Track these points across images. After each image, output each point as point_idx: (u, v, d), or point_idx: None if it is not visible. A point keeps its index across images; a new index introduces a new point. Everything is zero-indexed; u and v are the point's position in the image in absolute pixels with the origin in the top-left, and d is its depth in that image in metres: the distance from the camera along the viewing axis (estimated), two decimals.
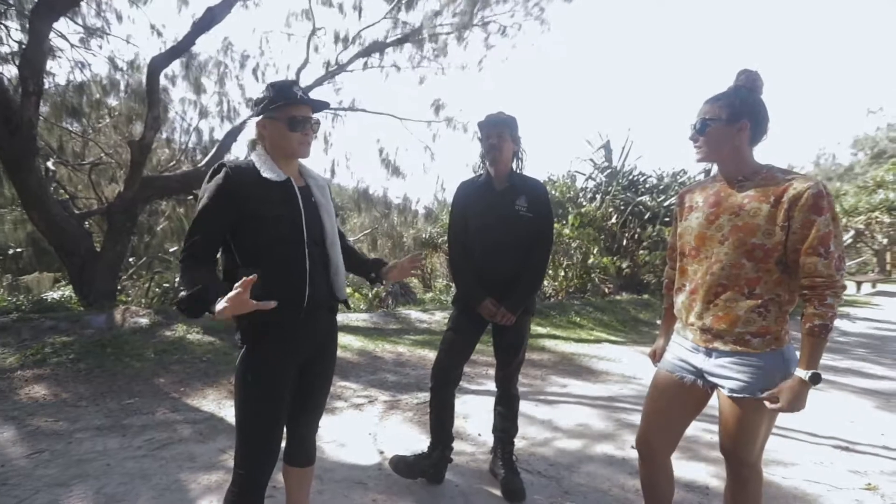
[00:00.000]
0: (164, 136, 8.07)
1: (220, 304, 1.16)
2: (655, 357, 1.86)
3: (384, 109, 8.97)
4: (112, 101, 7.86)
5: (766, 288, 1.44)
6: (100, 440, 2.64)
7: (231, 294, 1.15)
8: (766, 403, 1.39)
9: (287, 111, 1.39)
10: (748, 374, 1.44)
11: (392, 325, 5.70)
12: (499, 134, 2.08)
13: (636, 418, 3.26)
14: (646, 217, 9.02)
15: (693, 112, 1.55)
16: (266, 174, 1.36)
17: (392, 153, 8.73)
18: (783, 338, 1.46)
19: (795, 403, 1.36)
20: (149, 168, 7.28)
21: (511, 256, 2.10)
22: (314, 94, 2.08)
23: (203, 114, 7.68)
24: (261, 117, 1.42)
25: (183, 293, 1.23)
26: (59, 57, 6.83)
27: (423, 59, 7.93)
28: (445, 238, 9.93)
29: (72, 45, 6.88)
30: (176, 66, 7.25)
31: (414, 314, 6.26)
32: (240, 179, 1.33)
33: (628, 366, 4.80)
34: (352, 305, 7.30)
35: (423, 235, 10.99)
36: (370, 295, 7.95)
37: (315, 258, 1.43)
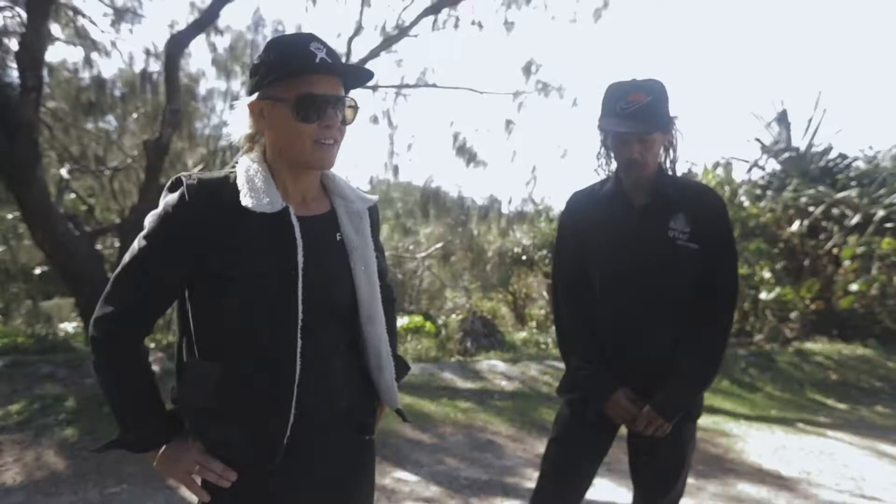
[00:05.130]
0: (187, 134, 8.53)
1: (157, 461, 1.16)
2: None
3: (459, 84, 8.99)
4: (144, 98, 8.49)
5: None
6: None
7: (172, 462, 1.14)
8: None
9: (297, 86, 1.05)
10: None
11: (468, 382, 5.49)
12: (642, 139, 1.62)
13: None
14: (851, 222, 8.15)
15: None
16: (247, 200, 1.04)
17: (469, 138, 8.63)
18: None
19: None
20: (173, 174, 7.72)
21: (662, 318, 1.70)
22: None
23: (233, 105, 8.03)
24: (254, 96, 1.09)
25: (108, 440, 1.15)
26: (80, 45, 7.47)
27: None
28: (544, 252, 9.49)
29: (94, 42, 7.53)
30: (204, 55, 7.61)
31: (500, 367, 6.02)
32: (203, 207, 1.05)
33: (848, 471, 3.94)
34: (416, 351, 7.04)
35: (515, 249, 10.56)
36: (440, 334, 7.69)
37: (330, 345, 1.17)
